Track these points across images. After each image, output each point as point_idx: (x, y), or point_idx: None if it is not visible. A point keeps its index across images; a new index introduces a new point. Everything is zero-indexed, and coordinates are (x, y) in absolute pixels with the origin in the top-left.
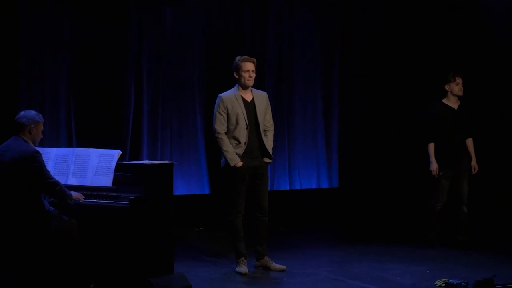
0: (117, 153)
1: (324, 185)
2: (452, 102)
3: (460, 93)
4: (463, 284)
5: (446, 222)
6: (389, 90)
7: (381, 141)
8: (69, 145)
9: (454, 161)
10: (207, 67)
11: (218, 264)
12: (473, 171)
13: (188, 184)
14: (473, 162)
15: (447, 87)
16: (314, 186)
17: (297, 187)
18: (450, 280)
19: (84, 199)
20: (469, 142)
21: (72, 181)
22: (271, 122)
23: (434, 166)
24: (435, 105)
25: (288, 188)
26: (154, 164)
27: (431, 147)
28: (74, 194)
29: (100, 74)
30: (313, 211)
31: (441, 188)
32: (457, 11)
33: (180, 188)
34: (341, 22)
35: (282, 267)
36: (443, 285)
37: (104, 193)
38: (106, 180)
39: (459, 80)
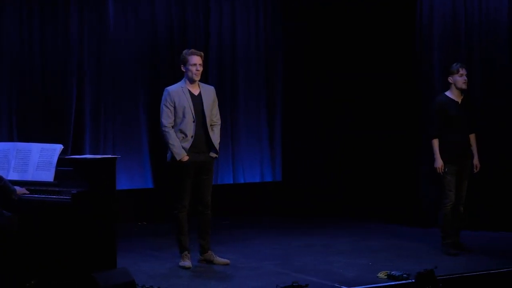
0: (59, 147)
1: (268, 178)
2: (455, 95)
3: (464, 86)
4: (405, 275)
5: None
6: (331, 84)
7: (323, 135)
8: (10, 139)
9: (459, 156)
10: (150, 62)
11: (161, 259)
12: (475, 169)
13: (131, 178)
14: (475, 161)
15: (450, 79)
16: (257, 180)
17: (241, 181)
18: (392, 272)
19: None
20: (472, 138)
21: (13, 176)
22: (218, 116)
23: (439, 163)
24: (439, 99)
25: (232, 182)
26: (96, 158)
27: (436, 143)
28: (18, 189)
29: (42, 68)
30: (257, 204)
31: (448, 185)
32: (393, 14)
33: (123, 182)
34: (283, 17)
35: (226, 261)
36: (385, 277)
37: (46, 188)
38: (47, 175)
39: (463, 72)
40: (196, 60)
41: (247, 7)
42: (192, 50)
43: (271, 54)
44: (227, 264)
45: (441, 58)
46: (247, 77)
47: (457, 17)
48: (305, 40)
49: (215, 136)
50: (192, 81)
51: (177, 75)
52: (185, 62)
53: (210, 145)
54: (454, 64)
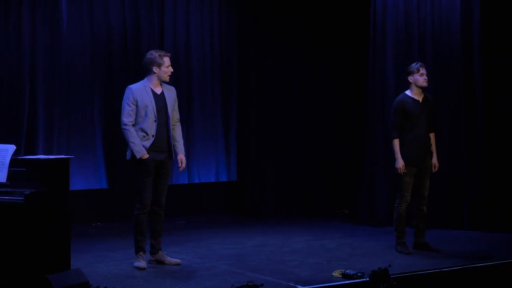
0: (11, 148)
1: (223, 178)
2: (416, 94)
3: (425, 84)
4: (359, 274)
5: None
6: (285, 84)
7: (278, 135)
8: None
9: (420, 157)
10: (104, 62)
11: (116, 259)
12: (433, 169)
13: (86, 178)
14: (434, 160)
15: (410, 78)
16: (212, 180)
17: (196, 180)
18: (347, 271)
19: None
20: (432, 136)
21: None
22: (178, 116)
23: (400, 163)
24: (400, 98)
25: (186, 182)
26: (50, 158)
27: (396, 143)
28: None
29: None
30: (212, 204)
31: (406, 186)
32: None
33: (77, 183)
34: (238, 17)
35: (177, 261)
36: (340, 276)
37: None
38: (0, 176)
39: (423, 71)
40: (169, 62)
41: (202, 7)
42: (164, 51)
43: (226, 54)
44: (178, 264)
45: (395, 61)
46: (202, 77)
47: (409, 20)
48: (259, 40)
49: (179, 136)
50: (162, 82)
51: (131, 76)
52: (159, 64)
53: (170, 145)
54: (414, 63)
